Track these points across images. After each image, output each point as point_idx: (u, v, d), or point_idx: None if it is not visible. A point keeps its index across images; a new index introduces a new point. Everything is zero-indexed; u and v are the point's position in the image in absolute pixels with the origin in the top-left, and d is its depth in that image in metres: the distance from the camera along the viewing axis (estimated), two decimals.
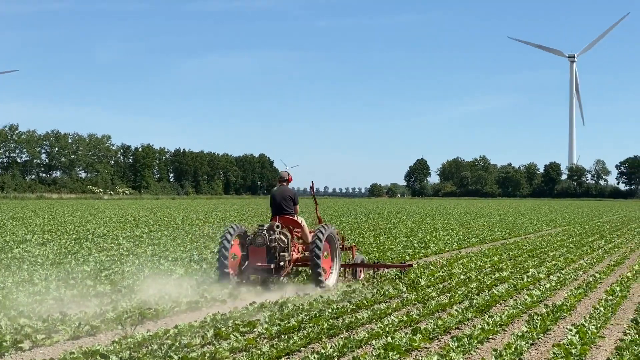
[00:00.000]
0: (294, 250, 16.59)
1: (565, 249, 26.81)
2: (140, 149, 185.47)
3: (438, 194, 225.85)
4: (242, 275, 16.36)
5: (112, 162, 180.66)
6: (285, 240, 16.17)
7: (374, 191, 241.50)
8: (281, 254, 16.04)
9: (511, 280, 17.44)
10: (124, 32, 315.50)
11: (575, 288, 16.31)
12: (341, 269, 17.48)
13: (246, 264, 16.30)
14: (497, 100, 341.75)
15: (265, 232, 16.09)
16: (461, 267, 20.48)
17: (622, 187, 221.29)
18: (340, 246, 17.50)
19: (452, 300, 14.50)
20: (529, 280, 17.61)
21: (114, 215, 55.38)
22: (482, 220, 52.51)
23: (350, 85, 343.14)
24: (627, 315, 13.36)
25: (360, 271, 18.02)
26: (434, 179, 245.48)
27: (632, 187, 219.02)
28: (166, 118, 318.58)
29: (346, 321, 12.19)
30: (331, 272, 16.72)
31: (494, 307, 14.02)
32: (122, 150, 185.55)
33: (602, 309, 13.37)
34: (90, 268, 19.14)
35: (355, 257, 18.36)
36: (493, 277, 18.11)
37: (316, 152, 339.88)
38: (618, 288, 15.98)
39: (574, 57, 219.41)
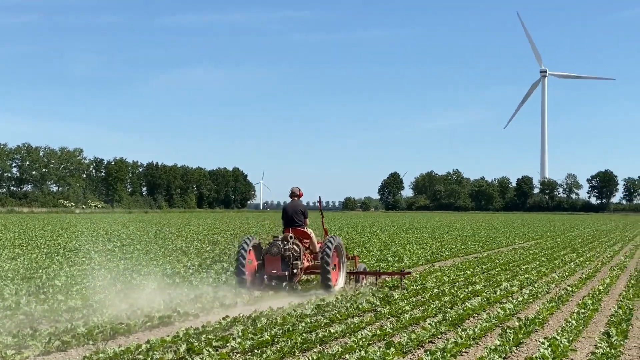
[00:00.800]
0: (304, 259, 18.27)
1: (537, 263, 26.96)
2: (112, 163, 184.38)
3: (412, 208, 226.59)
4: (256, 281, 17.87)
5: (84, 175, 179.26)
6: (298, 250, 17.91)
7: (348, 205, 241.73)
8: (294, 262, 17.77)
9: (484, 294, 17.51)
10: (97, 46, 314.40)
11: (547, 301, 16.39)
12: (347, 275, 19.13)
13: (262, 271, 17.97)
14: (470, 115, 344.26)
15: (280, 243, 17.83)
16: (435, 280, 20.51)
17: (593, 200, 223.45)
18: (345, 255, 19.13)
19: (425, 313, 14.50)
20: (501, 293, 17.68)
21: (86, 229, 54.90)
22: (455, 234, 52.70)
23: (324, 99, 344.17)
24: (598, 329, 13.44)
25: (363, 278, 19.38)
26: (407, 192, 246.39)
27: (603, 200, 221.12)
28: (139, 131, 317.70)
29: (320, 335, 12.16)
30: (338, 279, 18.45)
31: (467, 321, 14.05)
32: (94, 164, 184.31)
33: (574, 322, 13.44)
34: (62, 282, 18.93)
35: (357, 266, 19.89)
36: (466, 290, 18.17)
37: (290, 165, 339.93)
38: (590, 301, 16.09)
39: (545, 71, 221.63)
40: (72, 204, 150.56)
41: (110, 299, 15.76)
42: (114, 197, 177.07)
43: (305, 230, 18.75)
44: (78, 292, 17.11)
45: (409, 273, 19.84)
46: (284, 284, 17.72)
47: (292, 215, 18.71)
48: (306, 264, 18.36)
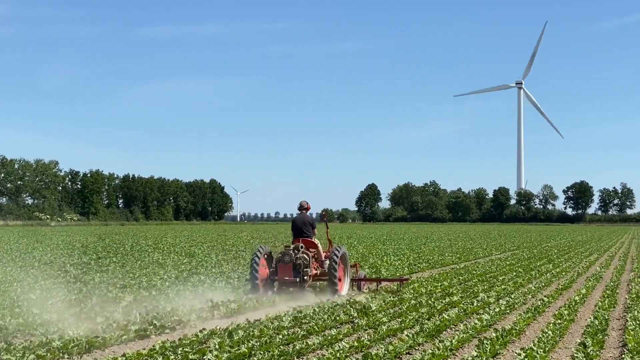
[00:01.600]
0: (313, 267, 19.87)
1: (514, 273, 27.08)
2: (88, 175, 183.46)
3: (389, 219, 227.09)
4: (268, 287, 19.49)
5: (60, 188, 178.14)
6: (308, 259, 19.54)
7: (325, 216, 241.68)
8: (305, 269, 19.35)
9: (461, 305, 17.54)
10: (73, 57, 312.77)
11: (524, 312, 16.45)
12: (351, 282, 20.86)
13: (274, 277, 19.65)
14: (447, 126, 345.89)
15: (291, 252, 19.40)
16: (412, 292, 20.54)
17: (569, 211, 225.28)
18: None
19: (403, 325, 14.50)
20: (478, 304, 17.73)
21: (62, 242, 54.49)
22: (432, 245, 52.83)
23: (300, 110, 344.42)
24: (574, 339, 13.50)
25: (363, 284, 21.22)
26: (384, 204, 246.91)
27: (579, 211, 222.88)
28: (115, 143, 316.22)
29: (297, 347, 12.12)
30: (344, 284, 20.10)
31: (444, 332, 14.06)
32: (70, 176, 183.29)
33: (550, 332, 13.49)
34: (37, 296, 18.76)
35: (358, 273, 21.61)
36: (443, 301, 18.20)
37: (267, 177, 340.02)
38: (566, 312, 16.18)
39: (521, 83, 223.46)
40: (48, 216, 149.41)
41: (86, 312, 15.63)
42: (90, 209, 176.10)
43: (313, 240, 20.35)
44: (53, 306, 16.94)
45: (408, 279, 22.47)
46: (297, 289, 19.41)
47: (301, 227, 20.37)
48: (314, 271, 19.92)
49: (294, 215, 21.17)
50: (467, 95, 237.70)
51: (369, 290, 20.94)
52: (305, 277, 19.35)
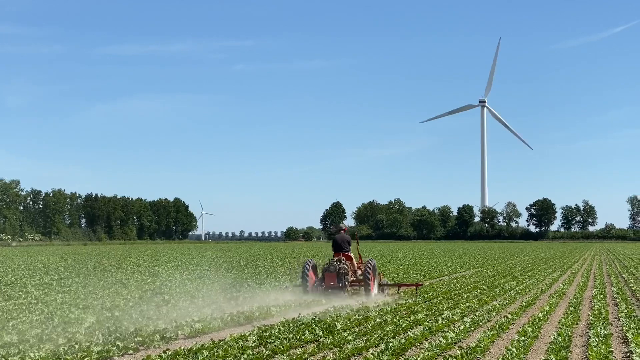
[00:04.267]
0: (351, 275, 25.15)
1: (478, 291, 27.21)
2: (50, 194, 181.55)
3: (354, 237, 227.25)
4: (315, 290, 24.50)
5: (21, 207, 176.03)
6: (347, 268, 24.86)
7: (290, 235, 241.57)
8: (345, 277, 24.70)
9: (426, 323, 17.56)
10: (35, 76, 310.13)
11: (488, 329, 16.51)
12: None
13: (322, 283, 24.91)
14: (412, 144, 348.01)
15: (335, 263, 24.77)
16: (377, 310, 20.53)
17: (532, 228, 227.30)
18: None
19: (368, 343, 14.47)
20: (443, 322, 17.76)
21: (23, 263, 53.77)
22: (397, 263, 52.92)
23: (265, 129, 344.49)
24: (538, 356, 13.57)
25: (385, 288, 26.27)
26: (349, 222, 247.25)
27: (542, 228, 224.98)
28: (78, 163, 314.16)
29: None
30: (374, 288, 25.23)
31: (409, 350, 14.05)
32: (31, 196, 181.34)
33: (514, 349, 13.55)
34: None
35: (381, 280, 26.76)
36: (408, 319, 18.21)
37: (231, 196, 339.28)
38: (530, 329, 16.26)
39: (484, 101, 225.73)
40: (9, 236, 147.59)
41: (47, 334, 15.40)
42: (51, 229, 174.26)
43: (349, 254, 25.75)
44: (14, 327, 16.69)
45: (421, 285, 27.85)
46: (340, 292, 24.53)
47: (341, 244, 25.86)
48: (352, 278, 25.22)
49: (336, 235, 26.42)
50: (434, 120, 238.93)
51: (390, 294, 25.99)
52: (346, 283, 24.70)
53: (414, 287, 26.56)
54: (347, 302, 22.63)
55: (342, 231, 26.61)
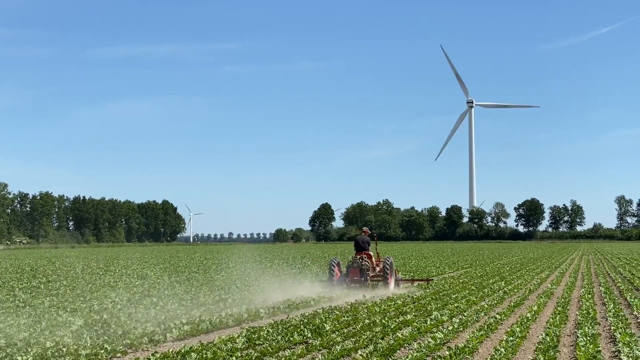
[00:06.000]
0: (372, 271, 28.85)
1: (467, 291, 27.25)
2: (38, 197, 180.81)
3: (343, 239, 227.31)
4: (340, 284, 28.06)
5: (9, 210, 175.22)
6: (368, 265, 28.62)
7: (279, 236, 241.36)
8: (367, 272, 28.45)
9: (415, 324, 17.56)
10: (23, 78, 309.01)
11: (477, 330, 16.53)
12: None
13: (346, 277, 28.58)
14: (399, 145, 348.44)
15: (358, 260, 28.56)
16: (366, 311, 20.53)
17: (520, 229, 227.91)
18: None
19: (357, 345, 14.46)
20: (432, 323, 17.77)
21: (10, 266, 53.54)
22: None
23: (253, 131, 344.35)
24: (527, 356, 13.60)
25: (400, 283, 30.18)
26: (338, 223, 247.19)
27: (530, 228, 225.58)
28: (66, 165, 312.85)
29: None
30: (392, 282, 28.88)
31: (398, 351, 14.05)
32: (19, 199, 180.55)
33: (502, 349, 13.57)
34: None
35: (397, 275, 30.35)
36: (397, 320, 18.22)
37: (220, 197, 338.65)
38: (518, 329, 16.29)
39: (472, 102, 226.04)
40: None
41: (35, 337, 15.32)
42: (39, 232, 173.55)
43: (369, 253, 29.43)
44: (1, 331, 16.59)
45: (432, 280, 32.52)
46: (361, 285, 28.20)
47: (362, 244, 29.45)
48: (372, 273, 28.88)
49: (358, 235, 30.14)
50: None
51: (405, 286, 29.78)
52: (367, 277, 28.38)
53: (426, 282, 31.28)
54: (370, 293, 26.51)
55: (363, 233, 30.28)
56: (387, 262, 28.92)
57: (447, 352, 13.34)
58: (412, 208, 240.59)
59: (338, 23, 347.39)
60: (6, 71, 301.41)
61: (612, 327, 16.72)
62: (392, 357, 13.17)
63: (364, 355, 13.15)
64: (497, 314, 19.75)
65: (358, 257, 28.77)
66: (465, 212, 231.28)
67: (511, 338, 15.06)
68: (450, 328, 16.70)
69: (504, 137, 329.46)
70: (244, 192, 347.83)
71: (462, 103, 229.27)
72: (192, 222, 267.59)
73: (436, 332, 16.19)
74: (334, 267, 28.83)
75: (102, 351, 13.79)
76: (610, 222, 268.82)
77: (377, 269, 29.37)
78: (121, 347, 14.29)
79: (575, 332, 16.41)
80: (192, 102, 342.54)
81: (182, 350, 13.66)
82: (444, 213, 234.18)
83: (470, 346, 14.06)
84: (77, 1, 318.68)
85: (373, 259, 29.59)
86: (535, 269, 44.29)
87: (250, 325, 17.53)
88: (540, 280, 33.70)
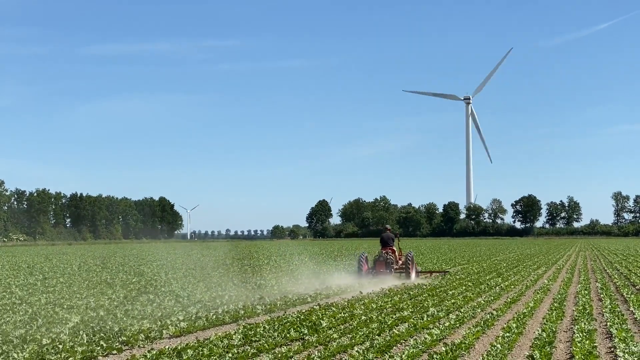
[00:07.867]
0: (395, 264, 32.81)
1: (464, 287, 27.26)
2: (35, 194, 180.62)
3: (340, 235, 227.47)
4: (368, 274, 32.20)
5: (5, 207, 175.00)
6: (392, 259, 32.74)
7: (277, 233, 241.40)
8: (391, 265, 32.51)
9: (411, 320, 17.56)
10: (18, 76, 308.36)
11: (473, 326, 16.54)
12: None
13: (373, 269, 32.66)
14: (397, 142, 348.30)
15: (384, 254, 32.67)
16: (363, 307, 20.53)
17: (517, 225, 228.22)
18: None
19: (353, 341, 14.45)
20: (428, 319, 17.77)
21: (7, 263, 53.50)
22: None
23: (251, 127, 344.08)
24: (523, 352, 13.60)
25: (418, 274, 34.29)
26: (335, 220, 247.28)
27: (527, 225, 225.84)
28: (63, 162, 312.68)
29: None
30: (412, 274, 32.65)
31: (394, 347, 14.05)
32: (16, 196, 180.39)
33: (499, 346, 13.58)
34: None
35: (417, 268, 34.36)
36: (394, 317, 18.22)
37: (217, 194, 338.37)
38: (514, 325, 16.30)
39: (469, 98, 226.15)
40: None
41: (31, 334, 15.32)
42: (36, 229, 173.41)
43: (393, 248, 33.61)
44: None
45: (448, 272, 36.90)
46: (386, 276, 31.90)
47: (387, 240, 33.65)
48: (396, 266, 32.76)
49: (383, 233, 34.37)
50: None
51: (424, 277, 33.74)
52: (392, 269, 32.36)
53: (443, 273, 35.84)
54: (394, 282, 29.99)
55: (388, 230, 34.64)
56: (408, 256, 32.79)
57: (444, 348, 13.34)
58: (409, 204, 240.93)
59: (333, 20, 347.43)
60: (3, 69, 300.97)
61: (608, 323, 16.73)
62: (389, 354, 13.16)
63: (360, 351, 13.15)
64: (494, 310, 19.77)
65: (384, 252, 33.00)
66: (462, 208, 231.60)
67: (507, 334, 15.06)
68: (447, 324, 16.70)
69: (501, 132, 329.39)
70: (241, 189, 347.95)
71: (460, 101, 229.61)
72: (190, 219, 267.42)
73: (433, 328, 16.18)
74: (363, 260, 32.87)
75: (99, 348, 13.77)
76: (607, 218, 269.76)
77: (400, 262, 33.15)
78: (117, 344, 14.27)
79: (572, 327, 16.43)
80: (188, 100, 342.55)
81: (179, 347, 13.65)
82: (441, 209, 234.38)
83: (467, 342, 14.06)
84: None
85: (396, 253, 33.60)
86: (532, 265, 44.34)
87: (247, 322, 17.52)
88: (537, 277, 33.74)
